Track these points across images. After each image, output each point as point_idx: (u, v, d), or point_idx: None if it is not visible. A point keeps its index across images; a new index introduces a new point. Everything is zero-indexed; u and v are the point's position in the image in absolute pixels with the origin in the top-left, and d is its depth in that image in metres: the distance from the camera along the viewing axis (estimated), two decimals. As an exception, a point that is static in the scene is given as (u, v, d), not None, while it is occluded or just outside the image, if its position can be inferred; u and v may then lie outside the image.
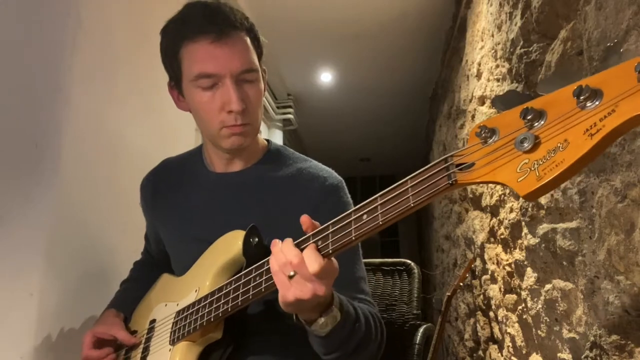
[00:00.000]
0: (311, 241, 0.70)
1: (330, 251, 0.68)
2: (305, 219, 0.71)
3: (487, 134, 0.53)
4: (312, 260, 0.66)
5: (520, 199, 1.66)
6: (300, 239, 0.72)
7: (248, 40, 0.93)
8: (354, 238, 0.65)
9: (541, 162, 0.47)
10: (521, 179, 0.48)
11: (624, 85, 0.43)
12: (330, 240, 0.68)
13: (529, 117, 0.49)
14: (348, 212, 0.67)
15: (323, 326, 0.73)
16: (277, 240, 0.72)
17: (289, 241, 0.71)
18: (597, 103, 0.45)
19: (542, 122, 0.48)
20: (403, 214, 0.61)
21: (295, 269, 0.67)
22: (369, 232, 0.64)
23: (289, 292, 0.68)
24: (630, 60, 0.44)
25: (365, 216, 0.64)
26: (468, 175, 0.54)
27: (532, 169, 0.47)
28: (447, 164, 0.56)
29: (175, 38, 0.92)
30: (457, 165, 0.55)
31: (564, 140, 0.46)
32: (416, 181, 0.59)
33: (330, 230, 0.69)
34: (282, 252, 0.70)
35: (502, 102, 0.53)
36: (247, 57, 0.92)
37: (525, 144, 0.48)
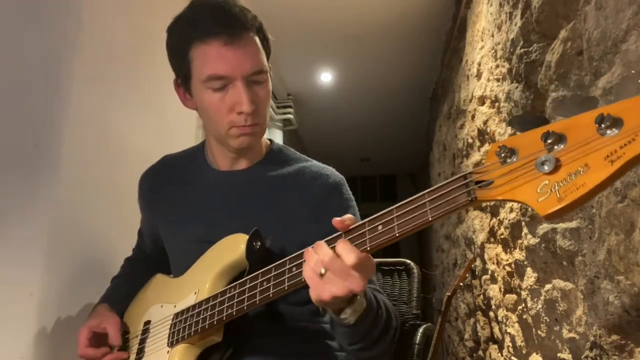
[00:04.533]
0: (344, 237, 0.69)
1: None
2: (336, 221, 0.71)
3: (507, 153, 0.55)
4: (348, 252, 0.66)
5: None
6: (329, 238, 0.72)
7: (257, 40, 0.94)
8: (368, 248, 0.66)
9: (562, 184, 0.49)
10: (542, 199, 0.50)
11: None
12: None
13: (549, 141, 0.51)
14: (362, 222, 0.68)
15: (351, 314, 0.73)
16: (308, 248, 0.72)
17: (320, 242, 0.71)
18: (616, 131, 0.47)
19: (562, 146, 0.50)
20: (420, 227, 0.62)
21: (326, 266, 0.67)
22: (384, 242, 0.65)
23: (324, 291, 0.67)
24: None
25: (380, 227, 0.66)
26: (487, 192, 0.56)
27: (553, 190, 0.49)
28: (466, 181, 0.58)
29: (184, 38, 0.91)
30: (476, 183, 0.57)
31: (584, 165, 0.48)
32: (434, 196, 0.61)
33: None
34: (313, 253, 0.69)
35: (519, 123, 0.56)
36: (257, 58, 0.92)
37: (546, 166, 0.50)
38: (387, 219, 0.65)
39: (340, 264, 0.66)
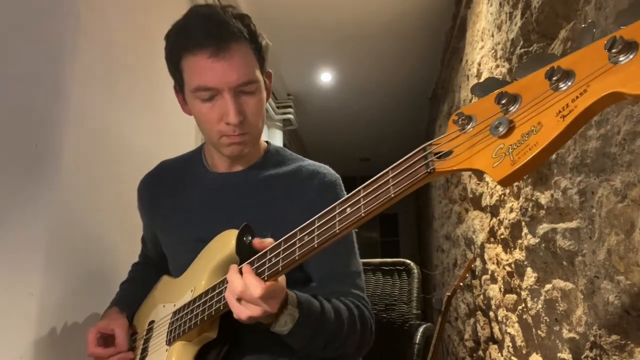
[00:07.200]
0: (255, 264, 0.77)
1: (316, 245, 0.69)
2: (256, 242, 0.79)
3: (465, 121, 0.53)
4: (254, 287, 0.73)
5: (521, 198, 1.66)
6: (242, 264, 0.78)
7: (249, 49, 0.92)
8: (337, 231, 0.67)
9: (515, 147, 0.47)
10: (496, 164, 0.48)
11: (595, 64, 0.43)
12: (316, 234, 0.69)
13: (503, 102, 0.49)
14: (333, 205, 0.69)
15: (282, 325, 0.77)
16: (232, 266, 0.79)
17: (233, 269, 0.77)
18: (569, 84, 0.44)
19: (517, 106, 0.48)
20: (385, 205, 0.61)
21: (240, 296, 0.74)
22: (352, 224, 0.65)
23: (241, 313, 0.75)
24: (600, 39, 0.43)
25: (348, 209, 0.65)
26: (446, 163, 0.54)
27: (507, 153, 0.47)
28: (425, 153, 0.57)
29: (176, 48, 0.93)
30: (436, 154, 0.55)
31: (537, 123, 0.46)
32: (397, 171, 0.60)
33: (316, 225, 0.70)
34: (229, 279, 0.77)
35: (480, 89, 0.53)
36: (245, 69, 0.91)
37: (500, 129, 0.48)
38: (354, 200, 0.65)
39: (250, 295, 0.73)
